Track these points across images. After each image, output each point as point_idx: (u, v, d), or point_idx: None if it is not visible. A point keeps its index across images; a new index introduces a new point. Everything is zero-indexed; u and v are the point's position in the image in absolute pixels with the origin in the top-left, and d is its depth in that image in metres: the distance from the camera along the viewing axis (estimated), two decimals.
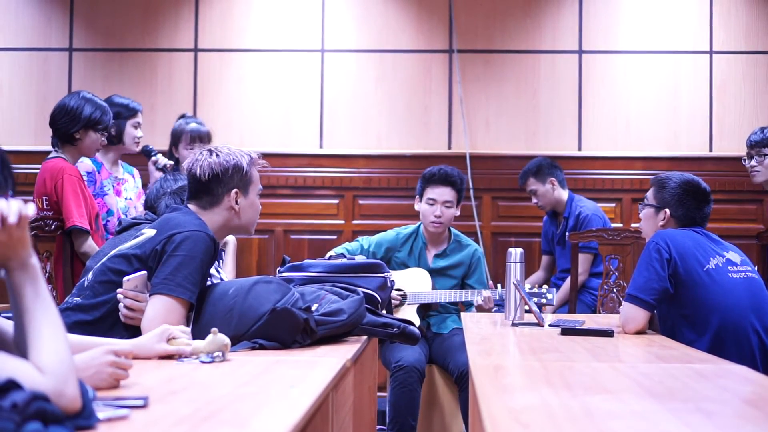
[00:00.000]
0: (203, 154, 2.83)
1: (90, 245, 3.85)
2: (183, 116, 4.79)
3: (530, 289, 3.86)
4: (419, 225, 4.52)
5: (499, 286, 4.29)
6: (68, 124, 3.92)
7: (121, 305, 2.61)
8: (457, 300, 4.36)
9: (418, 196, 4.49)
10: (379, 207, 5.86)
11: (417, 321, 4.27)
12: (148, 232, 2.73)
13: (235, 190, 2.82)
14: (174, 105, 5.85)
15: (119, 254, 2.72)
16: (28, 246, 1.47)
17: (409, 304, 4.32)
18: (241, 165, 2.83)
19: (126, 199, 4.31)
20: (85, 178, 4.05)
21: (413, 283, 4.36)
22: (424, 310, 4.43)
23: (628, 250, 4.53)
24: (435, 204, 4.40)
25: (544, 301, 3.81)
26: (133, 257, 2.68)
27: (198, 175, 2.80)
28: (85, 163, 4.13)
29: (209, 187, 2.80)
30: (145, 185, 4.55)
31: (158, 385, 1.87)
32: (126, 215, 4.23)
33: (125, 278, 2.61)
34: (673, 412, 1.76)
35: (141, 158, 4.63)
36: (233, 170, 2.82)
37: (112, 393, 1.76)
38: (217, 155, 2.82)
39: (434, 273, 4.41)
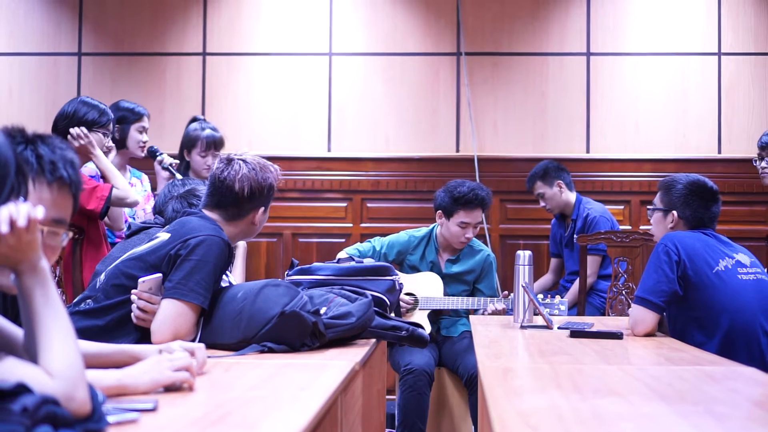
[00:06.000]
0: (239, 165, 2.79)
1: (116, 193, 3.88)
2: (195, 119, 4.69)
3: (543, 299, 3.83)
4: (433, 229, 4.47)
5: (511, 295, 4.22)
6: (67, 128, 3.95)
7: (134, 306, 2.62)
8: (469, 307, 4.34)
9: (442, 212, 4.34)
10: (388, 210, 5.87)
11: (428, 326, 4.25)
12: (163, 236, 2.73)
13: (262, 208, 2.83)
14: (182, 109, 5.87)
15: (133, 257, 2.73)
16: (38, 250, 1.47)
17: (420, 309, 4.32)
18: (274, 185, 2.84)
19: None
20: None
21: (425, 288, 4.35)
22: (435, 315, 4.42)
23: (636, 252, 4.51)
24: (468, 227, 4.33)
25: (556, 312, 3.79)
26: (147, 260, 2.68)
27: (236, 189, 2.76)
28: (89, 167, 4.13)
29: (241, 201, 2.79)
30: (153, 188, 4.55)
31: (168, 389, 1.87)
32: (134, 218, 4.24)
33: (140, 280, 2.61)
34: (682, 415, 1.76)
35: (150, 163, 4.60)
36: (268, 190, 2.83)
37: (121, 397, 1.76)
38: (253, 169, 2.79)
39: (447, 278, 4.39)
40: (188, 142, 4.54)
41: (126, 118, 4.25)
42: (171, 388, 1.85)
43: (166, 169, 4.41)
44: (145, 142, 4.36)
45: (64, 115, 4.00)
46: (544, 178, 5.21)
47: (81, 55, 6.05)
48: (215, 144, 4.53)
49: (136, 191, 4.36)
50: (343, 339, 2.69)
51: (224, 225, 2.78)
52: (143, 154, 4.40)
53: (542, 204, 5.28)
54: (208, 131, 4.53)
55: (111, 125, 4.04)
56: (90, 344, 2.15)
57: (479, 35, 5.94)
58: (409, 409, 4.08)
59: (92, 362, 2.03)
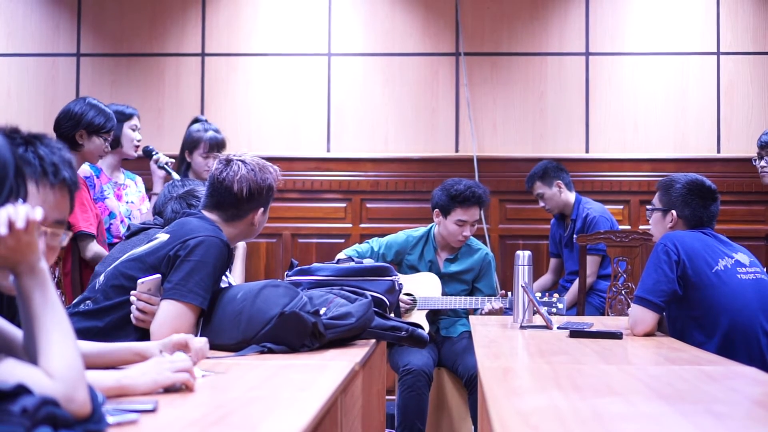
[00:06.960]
0: (237, 166, 2.78)
1: (95, 250, 3.86)
2: (197, 120, 4.64)
3: (541, 297, 3.84)
4: (431, 229, 4.47)
5: (509, 294, 4.23)
6: (71, 129, 3.94)
7: (133, 307, 2.62)
8: (468, 307, 4.35)
9: (439, 210, 4.35)
10: (387, 210, 5.87)
11: (426, 326, 4.25)
12: (162, 237, 2.73)
13: (261, 209, 2.82)
14: (181, 109, 5.87)
15: (132, 258, 2.72)
16: (37, 251, 1.47)
17: (419, 309, 4.31)
18: (273, 185, 2.83)
19: (127, 202, 4.31)
20: None
21: (423, 288, 4.35)
22: (435, 315, 4.41)
23: (636, 252, 4.51)
24: (465, 225, 4.34)
25: (554, 310, 3.79)
26: (146, 261, 2.68)
27: (235, 189, 2.75)
28: (82, 169, 4.12)
29: (240, 202, 2.78)
30: (148, 189, 4.55)
31: (167, 390, 1.87)
32: (129, 218, 4.23)
33: (139, 281, 2.61)
34: (682, 415, 1.76)
35: (145, 164, 4.57)
36: (267, 190, 2.82)
37: (121, 398, 1.76)
38: (252, 170, 2.78)
39: (445, 277, 4.39)
40: (190, 143, 4.51)
41: (117, 118, 4.23)
42: (171, 389, 1.85)
43: (162, 168, 4.40)
44: (138, 141, 4.35)
45: (69, 114, 3.97)
46: (544, 178, 5.21)
47: (80, 55, 6.05)
48: (218, 146, 4.51)
49: (130, 191, 4.36)
50: (342, 339, 2.69)
51: (223, 226, 2.78)
52: (137, 154, 4.39)
53: (541, 204, 5.28)
54: (210, 133, 4.50)
55: (113, 131, 4.05)
56: (92, 344, 2.15)
57: (478, 35, 5.94)
58: (408, 409, 4.08)
59: (96, 362, 2.03)
